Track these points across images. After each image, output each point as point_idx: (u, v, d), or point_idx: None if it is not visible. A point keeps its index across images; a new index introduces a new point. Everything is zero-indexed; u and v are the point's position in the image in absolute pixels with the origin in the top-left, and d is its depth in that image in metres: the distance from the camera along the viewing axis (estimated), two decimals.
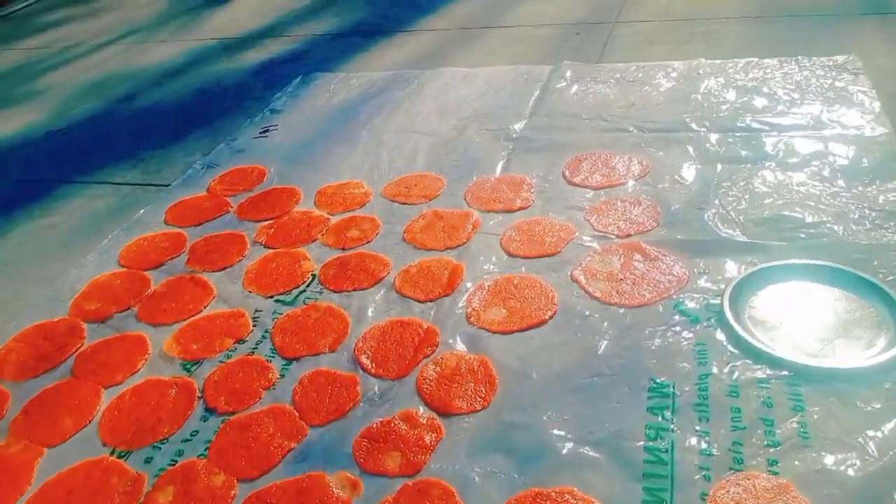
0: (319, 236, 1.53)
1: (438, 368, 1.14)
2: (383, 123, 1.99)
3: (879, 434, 0.91)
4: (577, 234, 1.41)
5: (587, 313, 1.21)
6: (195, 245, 1.56)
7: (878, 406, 0.95)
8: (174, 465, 1.05)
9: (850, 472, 0.87)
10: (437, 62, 2.35)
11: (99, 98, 2.54)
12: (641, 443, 0.95)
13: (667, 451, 0.94)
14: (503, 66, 2.22)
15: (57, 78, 2.85)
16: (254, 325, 1.30)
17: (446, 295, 1.30)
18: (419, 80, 2.21)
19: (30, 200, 1.89)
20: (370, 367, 1.17)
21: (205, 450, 1.06)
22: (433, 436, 1.03)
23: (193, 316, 1.34)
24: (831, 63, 1.91)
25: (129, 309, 1.40)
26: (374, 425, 1.06)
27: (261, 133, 2.04)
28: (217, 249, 1.53)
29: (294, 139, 1.98)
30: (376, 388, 1.13)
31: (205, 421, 1.12)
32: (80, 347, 1.31)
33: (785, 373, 1.02)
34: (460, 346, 1.19)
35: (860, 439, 0.91)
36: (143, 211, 1.73)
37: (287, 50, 2.69)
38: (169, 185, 1.84)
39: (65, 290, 1.48)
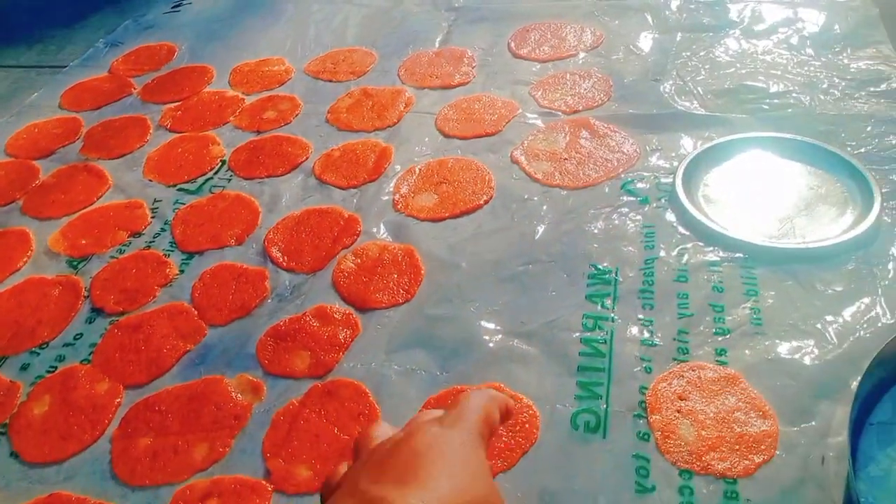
0: (232, 118, 1.36)
1: (358, 260, 1.01)
2: None
3: (840, 319, 0.81)
4: (520, 110, 1.26)
5: (526, 197, 1.08)
6: (91, 130, 1.38)
7: (840, 289, 0.85)
8: (53, 371, 0.92)
9: (806, 360, 0.77)
10: None
11: None
12: (578, 334, 0.85)
13: (605, 342, 0.83)
14: None
15: None
16: (152, 217, 1.15)
17: (372, 181, 1.16)
18: None
19: None
20: (282, 259, 1.04)
21: (88, 354, 0.93)
22: (348, 332, 0.91)
23: (85, 208, 1.19)
24: None
25: (13, 202, 1.23)
26: (282, 323, 0.93)
27: (173, 8, 1.81)
28: (116, 135, 1.35)
29: (209, 14, 1.76)
30: (287, 283, 1.00)
31: (90, 323, 0.98)
32: None
33: (739, 255, 0.91)
34: (384, 236, 1.06)
35: (818, 325, 0.81)
36: (35, 95, 1.53)
37: None
38: (67, 66, 1.63)
39: None
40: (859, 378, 0.71)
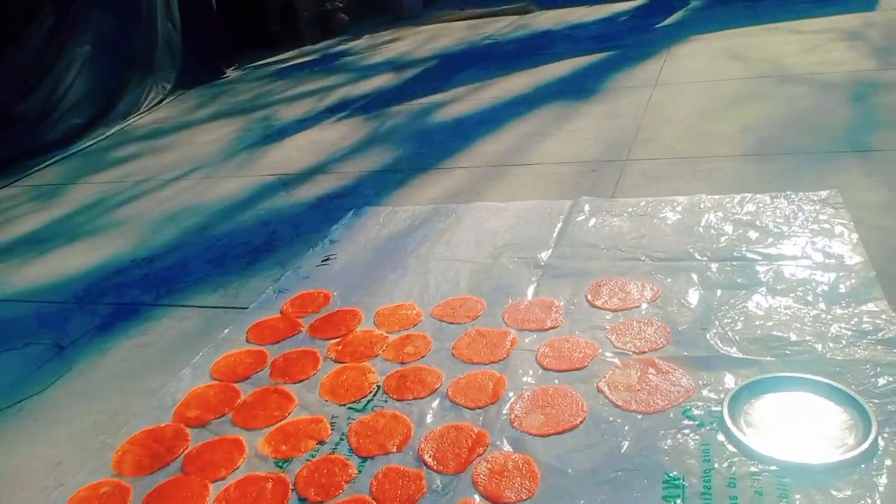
0: (380, 352, 1.81)
1: (490, 465, 1.39)
2: (428, 252, 2.30)
3: None
4: (600, 350, 1.67)
5: (611, 419, 1.45)
6: (275, 360, 1.85)
7: (849, 493, 1.18)
8: None
9: None
10: (471, 196, 2.69)
11: (175, 228, 2.90)
12: None
13: None
14: (529, 200, 2.55)
15: (133, 210, 3.23)
16: (332, 429, 1.56)
17: (492, 403, 1.56)
18: (457, 214, 2.55)
19: (126, 322, 2.20)
20: (433, 464, 1.42)
21: None
22: None
23: (280, 421, 1.61)
24: (816, 198, 2.21)
25: (224, 415, 1.67)
26: None
27: (322, 261, 2.36)
28: (294, 364, 1.81)
29: (352, 266, 2.29)
30: (439, 482, 1.37)
31: None
32: (186, 448, 1.57)
33: (773, 468, 1.25)
34: (507, 447, 1.43)
35: None
36: (227, 331, 2.03)
37: (337, 185, 3.07)
38: (247, 307, 2.14)
39: (167, 400, 1.76)
40: None
